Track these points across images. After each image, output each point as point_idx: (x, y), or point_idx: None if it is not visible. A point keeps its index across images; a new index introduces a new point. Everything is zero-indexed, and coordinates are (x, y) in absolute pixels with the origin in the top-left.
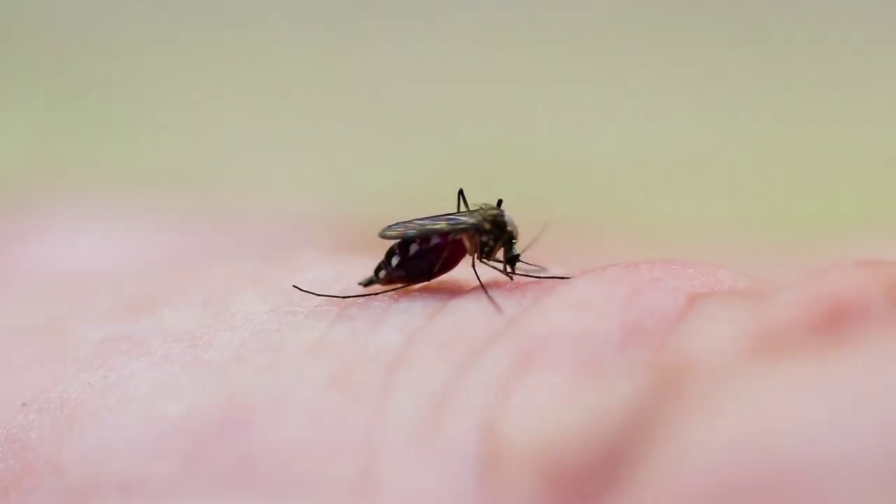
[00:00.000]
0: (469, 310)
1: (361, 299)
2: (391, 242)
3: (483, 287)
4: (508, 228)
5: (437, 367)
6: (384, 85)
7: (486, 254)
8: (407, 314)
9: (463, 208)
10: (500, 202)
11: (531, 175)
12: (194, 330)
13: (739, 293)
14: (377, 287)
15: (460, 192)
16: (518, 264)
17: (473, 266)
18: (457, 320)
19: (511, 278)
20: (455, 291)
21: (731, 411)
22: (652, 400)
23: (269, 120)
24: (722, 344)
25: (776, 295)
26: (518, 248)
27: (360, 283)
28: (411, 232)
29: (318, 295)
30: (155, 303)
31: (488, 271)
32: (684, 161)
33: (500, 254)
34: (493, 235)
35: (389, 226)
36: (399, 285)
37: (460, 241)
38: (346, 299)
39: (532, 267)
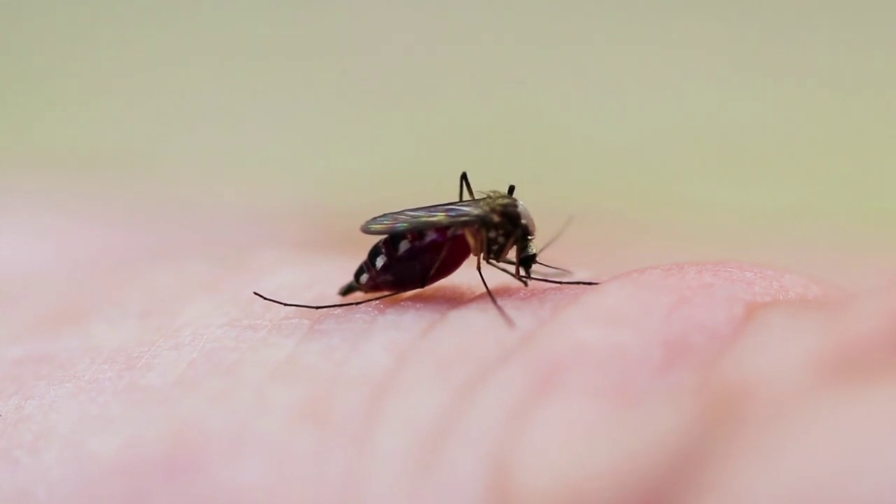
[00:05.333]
0: (473, 323)
1: (339, 310)
2: (376, 239)
3: (490, 295)
4: (522, 221)
5: (434, 394)
6: (371, 46)
7: (494, 253)
8: (395, 329)
9: (467, 196)
10: (511, 189)
11: (551, 157)
12: (131, 348)
13: (809, 303)
14: (359, 295)
15: (463, 177)
16: (534, 266)
17: (479, 268)
18: (458, 336)
19: (525, 284)
20: (455, 300)
21: (800, 450)
22: (700, 435)
23: (224, 88)
24: (788, 366)
25: (855, 305)
26: (535, 246)
27: (338, 292)
28: (401, 226)
29: (286, 304)
30: (83, 314)
31: (497, 275)
32: (740, 140)
33: (511, 253)
34: (503, 230)
35: (375, 218)
36: (386, 293)
37: (462, 238)
38: (319, 310)
39: (552, 270)
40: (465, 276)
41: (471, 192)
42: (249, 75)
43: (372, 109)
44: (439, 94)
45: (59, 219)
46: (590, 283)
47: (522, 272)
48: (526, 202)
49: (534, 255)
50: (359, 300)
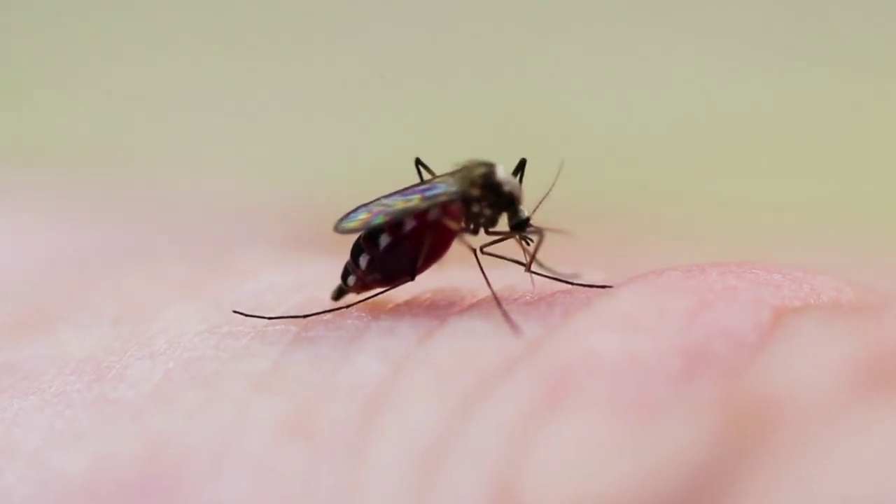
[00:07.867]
0: (475, 329)
1: (329, 315)
2: (355, 237)
3: (495, 298)
4: (505, 189)
5: (432, 407)
6: (360, 28)
7: (483, 226)
8: (390, 336)
9: (439, 176)
10: (522, 163)
11: (560, 148)
12: (101, 357)
13: (843, 307)
14: (351, 297)
15: (417, 162)
16: (543, 269)
17: (473, 250)
18: (459, 344)
19: (531, 276)
20: (455, 304)
21: (834, 468)
22: (723, 451)
23: (207, 78)
24: (821, 376)
25: (892, 309)
26: (525, 210)
27: (331, 297)
28: (377, 219)
29: (269, 318)
30: (49, 320)
31: (499, 277)
32: (768, 131)
33: (507, 246)
34: (486, 202)
35: (347, 214)
36: (378, 290)
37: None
38: (307, 318)
39: (560, 271)
40: (465, 277)
41: (431, 173)
42: (233, 65)
43: (365, 99)
44: (435, 86)
45: (24, 217)
46: (603, 286)
47: (533, 268)
48: (530, 197)
49: (527, 219)
50: (349, 303)
